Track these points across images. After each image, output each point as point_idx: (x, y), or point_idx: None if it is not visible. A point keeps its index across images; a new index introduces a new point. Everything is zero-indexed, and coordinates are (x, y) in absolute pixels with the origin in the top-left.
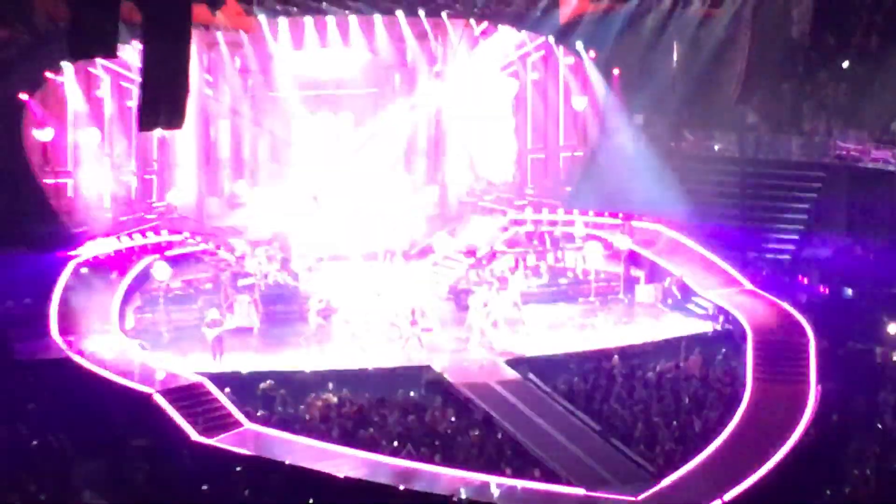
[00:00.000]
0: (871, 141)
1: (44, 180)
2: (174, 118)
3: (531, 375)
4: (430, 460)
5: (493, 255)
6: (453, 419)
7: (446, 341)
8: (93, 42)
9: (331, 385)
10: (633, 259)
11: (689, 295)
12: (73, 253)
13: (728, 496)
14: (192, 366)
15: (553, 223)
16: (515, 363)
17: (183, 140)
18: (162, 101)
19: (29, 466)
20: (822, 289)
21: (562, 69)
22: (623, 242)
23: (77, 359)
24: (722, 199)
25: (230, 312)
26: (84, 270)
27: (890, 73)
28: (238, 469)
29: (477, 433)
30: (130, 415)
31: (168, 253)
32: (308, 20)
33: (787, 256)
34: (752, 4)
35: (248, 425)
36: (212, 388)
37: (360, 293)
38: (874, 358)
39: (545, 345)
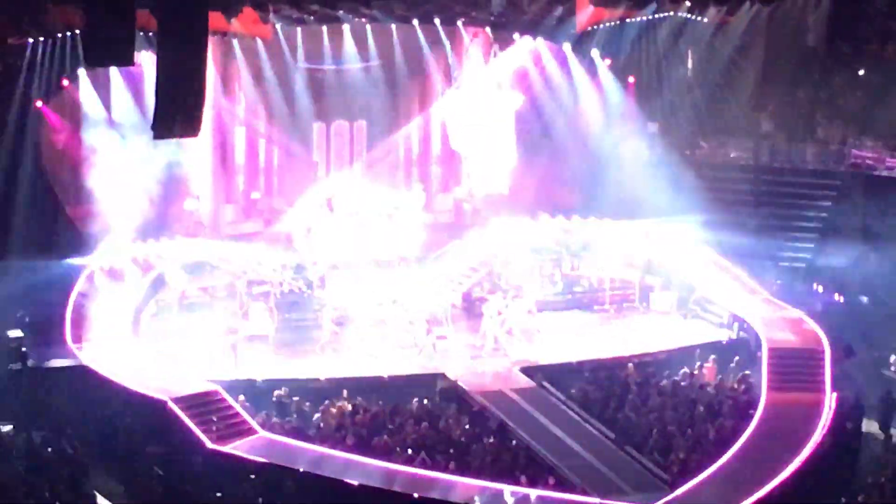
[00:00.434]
0: (887, 149)
1: (59, 187)
2: (189, 126)
3: (546, 383)
4: (445, 468)
5: (507, 263)
6: (468, 427)
7: (461, 349)
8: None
9: (345, 393)
10: (648, 267)
11: (705, 303)
12: (88, 259)
13: None
14: (206, 373)
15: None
16: (530, 371)
17: (198, 148)
18: (177, 108)
19: (44, 473)
20: (837, 297)
21: (577, 77)
22: (639, 251)
23: (92, 366)
24: (737, 207)
25: (245, 320)
26: (99, 277)
27: None
28: (252, 476)
29: (491, 441)
30: (145, 422)
31: (183, 260)
32: (324, 28)
33: (802, 264)
34: (767, 12)
35: (262, 433)
36: (226, 395)
37: (374, 301)
38: (889, 366)
39: (560, 353)
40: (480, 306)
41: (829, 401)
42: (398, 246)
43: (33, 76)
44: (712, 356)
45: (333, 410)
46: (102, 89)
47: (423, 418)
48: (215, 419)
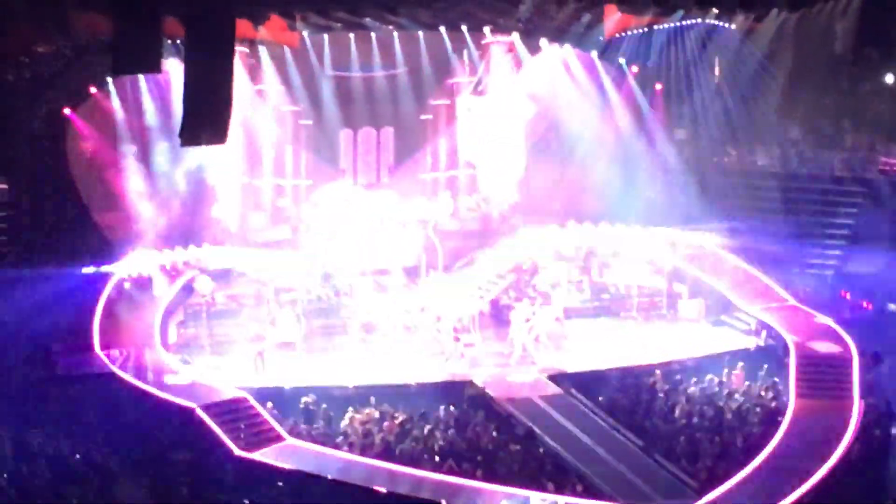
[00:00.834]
0: None
1: (87, 195)
2: (217, 133)
3: (573, 390)
4: (472, 475)
5: (535, 270)
6: (495, 434)
7: (488, 356)
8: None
9: (373, 400)
10: (675, 274)
11: (732, 310)
12: (115, 267)
13: None
14: (234, 380)
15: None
16: (558, 378)
17: (226, 155)
18: (205, 116)
19: (72, 481)
20: (865, 304)
21: (604, 84)
22: (666, 258)
23: (120, 373)
24: (764, 214)
25: (272, 327)
26: (127, 285)
27: None
28: (280, 483)
29: (519, 448)
30: (173, 429)
31: (211, 267)
32: (351, 36)
33: (829, 271)
34: (795, 19)
35: (289, 440)
36: (254, 402)
37: (402, 308)
38: None
39: (587, 360)
40: (508, 314)
41: (858, 408)
42: (424, 253)
43: (61, 84)
44: (740, 363)
45: (361, 417)
46: (130, 97)
47: (450, 425)
48: (243, 426)
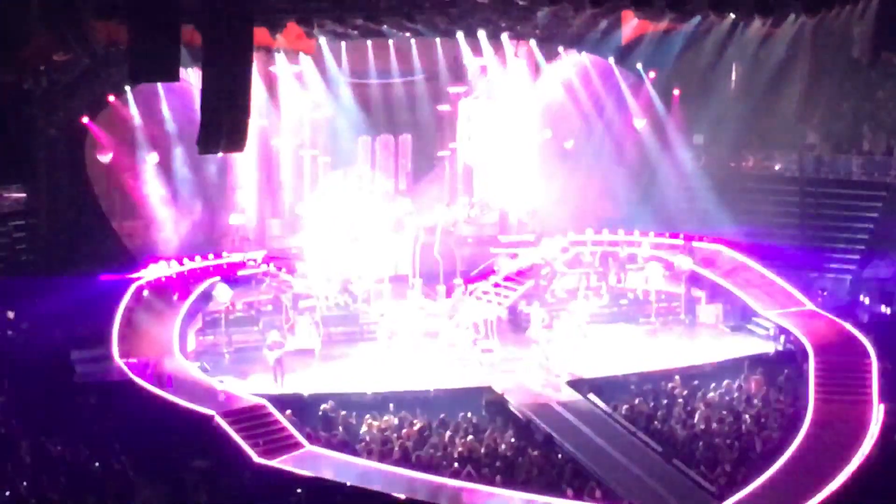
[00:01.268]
0: None
1: (105, 203)
2: (235, 140)
3: (592, 396)
4: (491, 481)
5: (553, 276)
6: (514, 440)
7: (507, 362)
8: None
9: (391, 406)
10: (694, 280)
11: (751, 315)
12: (134, 275)
13: None
14: (253, 388)
15: (614, 244)
16: (576, 384)
17: (244, 162)
18: (223, 123)
19: (91, 488)
20: (883, 308)
21: (622, 90)
22: (684, 263)
23: (138, 381)
24: (782, 219)
25: (291, 334)
26: (146, 293)
27: None
28: (299, 491)
29: (538, 454)
30: (191, 437)
31: (229, 275)
32: (368, 43)
33: (848, 276)
34: (813, 24)
35: (308, 447)
36: (272, 409)
37: (420, 314)
38: None
39: (606, 365)
40: (526, 319)
41: (877, 413)
42: (442, 259)
43: (79, 92)
44: (759, 368)
45: (379, 424)
46: (148, 104)
47: (469, 431)
48: (262, 433)
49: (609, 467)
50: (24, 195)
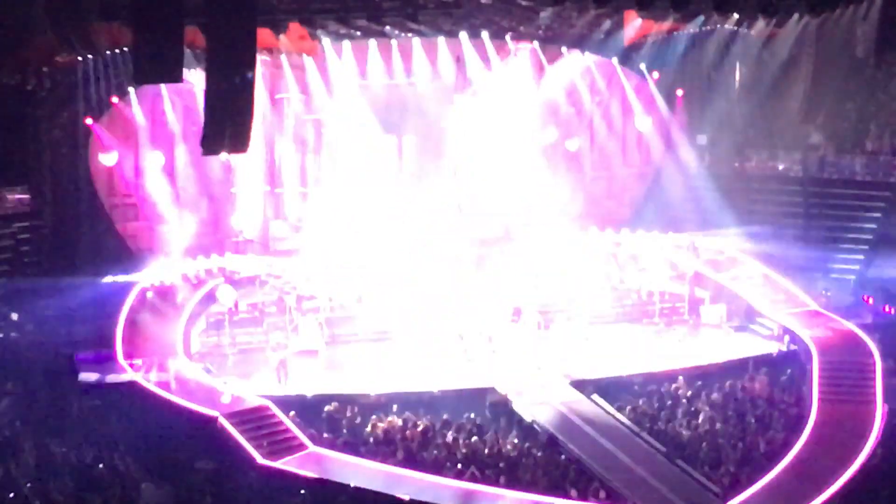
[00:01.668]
0: None
1: (109, 204)
2: (239, 142)
3: (595, 397)
4: (495, 482)
5: (557, 277)
6: (517, 441)
7: (510, 363)
8: (157, 67)
9: (395, 407)
10: (698, 280)
11: (754, 316)
12: (138, 277)
13: None
14: (256, 389)
15: (618, 244)
16: (580, 384)
17: (247, 164)
18: (226, 124)
19: (95, 489)
20: (887, 308)
21: (625, 90)
22: (688, 263)
23: (143, 382)
24: (786, 219)
25: (295, 335)
26: (150, 294)
27: None
28: (303, 492)
29: (541, 455)
30: (196, 438)
31: (233, 276)
32: (371, 43)
33: (852, 276)
34: (816, 24)
35: (312, 448)
36: (276, 411)
37: (424, 315)
38: None
39: (610, 366)
40: (529, 320)
41: (881, 413)
42: (451, 260)
43: (83, 94)
44: (763, 369)
45: (383, 425)
46: (151, 106)
47: (472, 432)
48: (266, 434)
49: (613, 468)
50: (27, 197)
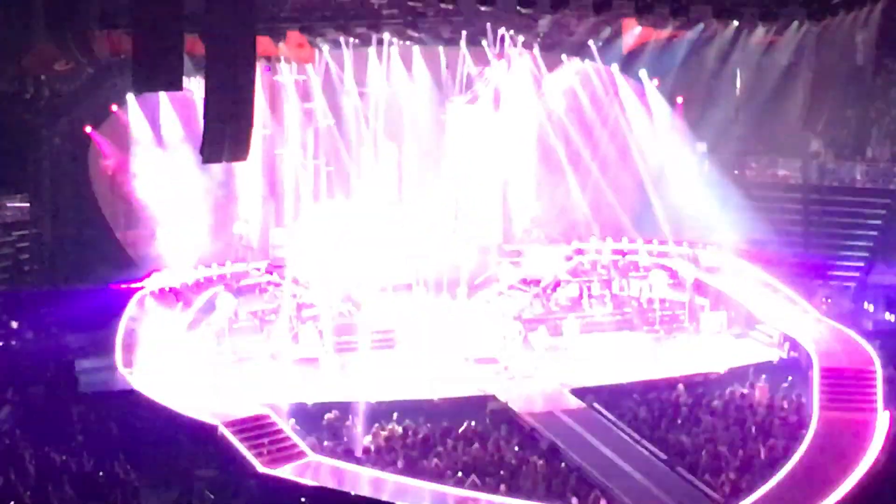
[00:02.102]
0: None
1: (109, 212)
2: (239, 150)
3: (596, 404)
4: (495, 490)
5: (556, 284)
6: (518, 448)
7: (510, 371)
8: (157, 75)
9: (395, 415)
10: (698, 287)
11: (755, 323)
12: (138, 285)
13: None
14: (257, 397)
15: (617, 252)
16: (580, 392)
17: (247, 171)
18: (226, 132)
19: (95, 498)
20: (887, 316)
21: (625, 98)
22: (688, 271)
23: (143, 390)
24: (786, 227)
25: (295, 343)
26: (149, 302)
27: None
28: (303, 500)
29: (542, 462)
30: (196, 446)
31: (233, 284)
32: (371, 51)
33: (852, 283)
34: (816, 31)
35: (312, 456)
36: (276, 419)
37: (423, 323)
38: None
39: (610, 374)
40: (530, 328)
41: (882, 420)
42: (447, 268)
43: (82, 102)
44: (763, 376)
45: (384, 433)
46: (151, 114)
47: (473, 440)
48: (266, 442)
49: (614, 476)
50: (27, 205)
